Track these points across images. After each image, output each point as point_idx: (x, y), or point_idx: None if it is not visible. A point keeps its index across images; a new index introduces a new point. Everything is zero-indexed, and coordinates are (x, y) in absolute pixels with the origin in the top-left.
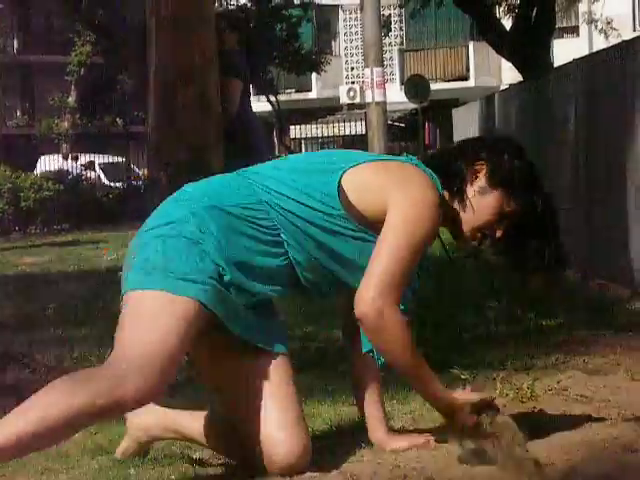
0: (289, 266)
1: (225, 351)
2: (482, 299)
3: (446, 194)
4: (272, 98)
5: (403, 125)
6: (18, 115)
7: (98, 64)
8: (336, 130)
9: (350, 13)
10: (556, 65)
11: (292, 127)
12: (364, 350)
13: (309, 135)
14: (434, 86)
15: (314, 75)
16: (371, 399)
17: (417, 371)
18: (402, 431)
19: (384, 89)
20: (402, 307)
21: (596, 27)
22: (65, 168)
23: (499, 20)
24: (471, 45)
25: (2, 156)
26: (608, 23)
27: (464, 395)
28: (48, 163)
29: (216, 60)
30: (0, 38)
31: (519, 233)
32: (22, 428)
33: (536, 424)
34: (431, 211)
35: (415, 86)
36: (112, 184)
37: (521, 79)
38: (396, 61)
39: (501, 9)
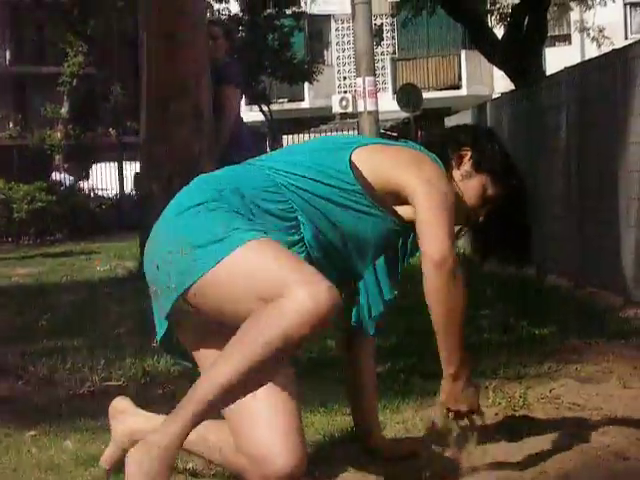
0: (304, 251)
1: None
2: (474, 308)
3: None
4: (264, 108)
5: (395, 134)
6: (10, 126)
7: (91, 75)
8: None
9: (342, 22)
10: (548, 73)
11: (285, 137)
12: (354, 320)
13: None
14: (426, 95)
15: (306, 84)
16: (370, 406)
17: (460, 329)
18: (394, 440)
19: (376, 98)
20: (375, 316)
21: (588, 35)
22: (57, 179)
23: (491, 29)
24: (463, 54)
25: None
26: (600, 31)
27: (453, 396)
28: (103, 170)
29: (208, 70)
30: None
31: (498, 217)
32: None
33: (528, 433)
34: (447, 183)
35: (407, 95)
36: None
37: (513, 87)
38: (388, 70)
39: (493, 18)
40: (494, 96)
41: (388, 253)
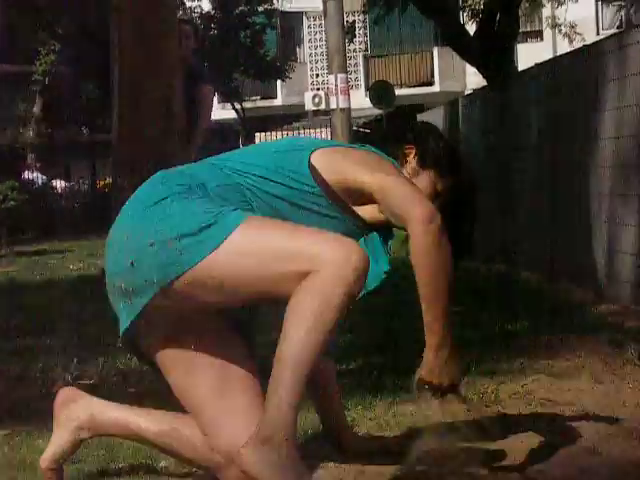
0: None
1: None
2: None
3: None
4: (237, 105)
5: (369, 131)
6: None
7: (63, 73)
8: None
9: (314, 20)
10: (520, 69)
11: (257, 134)
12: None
13: None
14: (399, 92)
15: (279, 82)
16: (337, 408)
17: (446, 295)
18: (366, 437)
19: (348, 95)
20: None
21: (560, 31)
22: (30, 178)
23: (463, 25)
24: (435, 50)
25: None
26: (572, 27)
27: (435, 369)
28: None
29: (180, 69)
30: None
31: (450, 212)
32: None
33: (500, 428)
34: (405, 178)
35: (380, 92)
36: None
37: (485, 84)
38: (361, 67)
39: (465, 14)
40: (467, 92)
41: None
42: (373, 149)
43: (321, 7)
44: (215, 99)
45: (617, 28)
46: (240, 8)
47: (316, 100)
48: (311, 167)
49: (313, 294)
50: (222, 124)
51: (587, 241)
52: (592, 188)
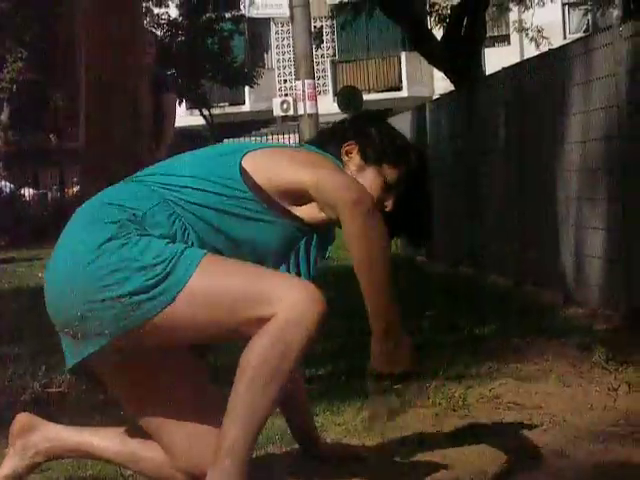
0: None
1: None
2: (417, 308)
3: None
4: (205, 112)
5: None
6: None
7: (31, 81)
8: (270, 142)
9: (282, 26)
10: (487, 74)
11: (226, 140)
12: None
13: None
14: (367, 97)
15: (247, 88)
16: (306, 414)
17: (387, 276)
18: (335, 443)
19: (316, 101)
20: None
21: (527, 35)
22: None
23: (430, 30)
24: (403, 55)
25: None
26: (539, 31)
27: (386, 358)
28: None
29: (146, 74)
30: None
31: (404, 200)
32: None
33: (468, 432)
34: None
35: (348, 97)
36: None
37: (453, 88)
38: (329, 72)
39: (432, 19)
40: (435, 97)
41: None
42: (313, 148)
43: (288, 13)
44: (183, 105)
45: (584, 32)
46: (207, 15)
47: (284, 106)
48: (243, 171)
49: (273, 341)
50: (190, 130)
51: (555, 244)
52: (559, 192)
